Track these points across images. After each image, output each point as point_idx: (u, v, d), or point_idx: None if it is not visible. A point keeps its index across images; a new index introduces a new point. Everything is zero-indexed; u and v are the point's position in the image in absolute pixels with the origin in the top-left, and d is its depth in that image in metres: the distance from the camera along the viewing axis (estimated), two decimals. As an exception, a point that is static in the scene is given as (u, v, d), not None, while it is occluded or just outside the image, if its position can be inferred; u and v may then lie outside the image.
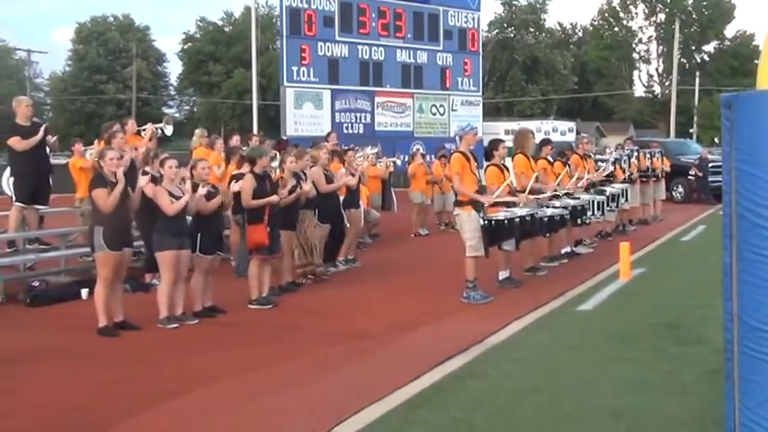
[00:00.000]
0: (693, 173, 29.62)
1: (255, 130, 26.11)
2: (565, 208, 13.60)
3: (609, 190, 16.70)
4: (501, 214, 11.31)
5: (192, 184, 10.19)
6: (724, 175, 5.20)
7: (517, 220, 11.34)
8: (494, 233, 11.12)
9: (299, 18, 24.94)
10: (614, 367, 7.98)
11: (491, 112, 58.82)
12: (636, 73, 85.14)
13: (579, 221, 14.97)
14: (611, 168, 18.64)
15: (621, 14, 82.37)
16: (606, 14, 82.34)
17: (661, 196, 23.30)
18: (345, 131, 25.40)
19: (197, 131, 17.27)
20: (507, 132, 32.42)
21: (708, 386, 7.02)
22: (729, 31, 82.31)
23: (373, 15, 26.54)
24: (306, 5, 24.95)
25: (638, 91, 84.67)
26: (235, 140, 15.75)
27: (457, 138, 11.96)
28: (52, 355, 8.76)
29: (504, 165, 12.64)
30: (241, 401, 7.08)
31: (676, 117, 60.44)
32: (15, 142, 12.60)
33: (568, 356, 8.56)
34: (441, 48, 28.28)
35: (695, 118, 70.08)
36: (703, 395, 6.87)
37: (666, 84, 72.49)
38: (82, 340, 9.28)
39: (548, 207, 13.29)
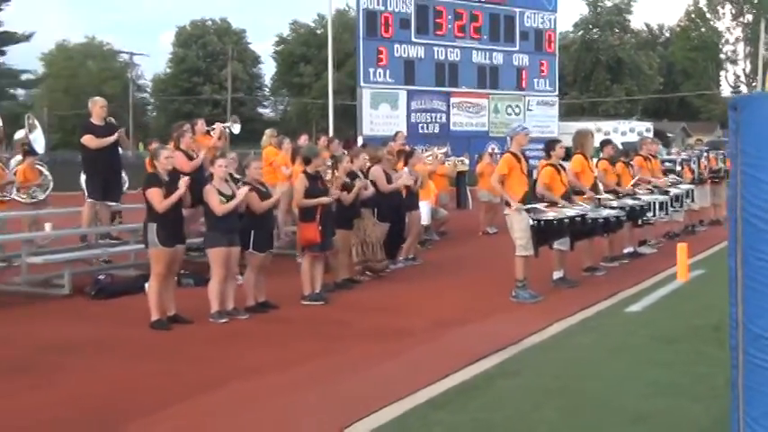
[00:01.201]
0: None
1: (331, 131, 25.98)
2: (622, 209, 13.24)
3: (673, 190, 16.26)
4: (550, 214, 11.07)
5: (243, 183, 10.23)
6: (731, 178, 4.99)
7: (567, 220, 11.09)
8: (543, 233, 10.91)
9: (376, 20, 24.90)
10: (650, 369, 7.74)
11: (576, 112, 58.21)
12: (723, 73, 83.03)
13: (640, 222, 14.62)
14: (679, 168, 18.22)
15: (708, 15, 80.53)
16: (693, 15, 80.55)
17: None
18: (421, 131, 25.39)
19: (267, 131, 17.37)
20: (597, 131, 32.04)
21: (737, 391, 6.77)
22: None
23: (449, 17, 26.39)
24: (382, 8, 24.90)
25: (726, 91, 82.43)
26: (303, 140, 15.78)
27: (508, 138, 11.76)
28: (103, 347, 8.88)
29: (560, 165, 12.42)
30: (270, 397, 7.03)
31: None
32: (89, 140, 12.83)
33: (606, 358, 8.36)
34: (517, 48, 28.00)
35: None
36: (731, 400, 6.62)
37: (753, 84, 70.41)
38: (135, 333, 9.36)
39: (605, 207, 12.95)
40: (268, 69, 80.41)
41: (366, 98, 24.83)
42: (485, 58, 27.31)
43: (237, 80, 72.88)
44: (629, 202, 13.86)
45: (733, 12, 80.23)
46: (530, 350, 8.59)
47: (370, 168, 13.43)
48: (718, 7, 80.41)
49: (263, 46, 73.18)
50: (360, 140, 21.89)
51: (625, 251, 14.89)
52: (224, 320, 9.78)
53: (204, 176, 10.69)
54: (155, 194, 9.44)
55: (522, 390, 7.17)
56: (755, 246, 4.73)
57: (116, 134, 12.97)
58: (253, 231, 10.23)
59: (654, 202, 14.80)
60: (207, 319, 9.81)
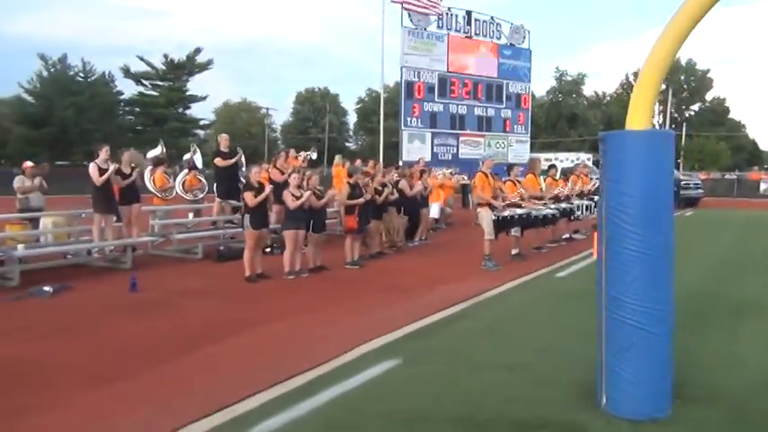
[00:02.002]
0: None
1: (381, 157, 25.64)
2: (558, 209, 12.73)
3: (596, 198, 15.63)
4: (506, 212, 10.62)
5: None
6: (600, 189, 4.58)
7: (517, 216, 10.65)
8: (501, 224, 10.49)
9: (413, 88, 24.52)
10: (561, 316, 7.32)
11: (546, 148, 56.97)
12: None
13: (572, 218, 14.06)
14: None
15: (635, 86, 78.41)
16: (624, 86, 78.62)
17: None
18: (440, 158, 24.90)
19: (337, 156, 17.16)
20: (548, 160, 31.21)
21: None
22: (709, 96, 77.37)
23: (460, 85, 25.84)
24: (417, 79, 24.50)
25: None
26: (357, 163, 15.47)
27: (480, 162, 11.32)
28: (209, 293, 8.64)
29: (517, 180, 11.97)
30: (295, 332, 6.66)
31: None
32: (219, 161, 12.73)
33: (533, 307, 7.92)
34: (503, 106, 27.30)
35: (682, 153, 66.26)
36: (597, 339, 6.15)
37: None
38: (232, 284, 9.15)
39: (547, 208, 12.44)
40: (352, 118, 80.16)
41: (405, 137, 24.45)
42: (482, 112, 26.72)
43: (333, 125, 72.91)
44: (563, 205, 13.30)
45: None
46: (484, 301, 8.19)
47: (398, 181, 13.13)
48: (641, 80, 78.41)
49: (350, 104, 73.72)
50: (401, 163, 21.27)
51: (563, 237, 14.33)
52: (291, 277, 9.53)
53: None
54: (248, 196, 9.24)
55: (470, 328, 6.77)
56: (614, 236, 4.34)
57: (236, 157, 12.84)
58: (312, 220, 9.97)
59: (581, 205, 14.23)
60: (282, 276, 9.57)
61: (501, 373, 5.24)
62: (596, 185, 16.71)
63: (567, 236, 14.56)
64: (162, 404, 4.61)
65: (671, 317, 4.38)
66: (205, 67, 57.77)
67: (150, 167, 13.34)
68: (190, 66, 56.79)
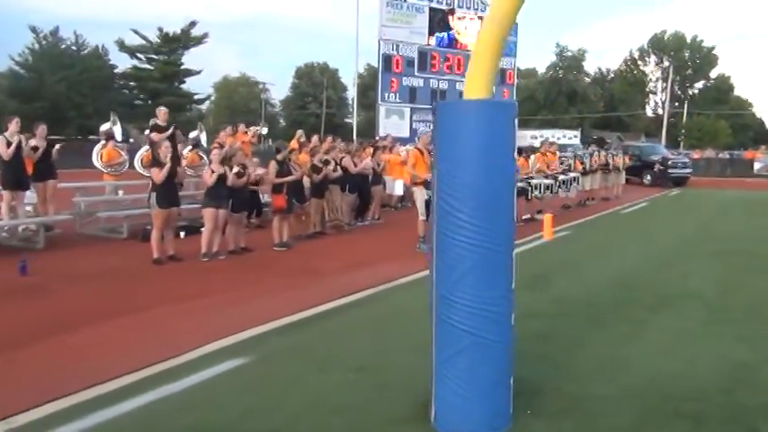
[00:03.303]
0: (658, 167, 27.07)
1: (355, 136, 24.97)
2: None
3: (561, 177, 14.88)
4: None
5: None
6: (432, 170, 3.88)
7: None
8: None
9: (391, 61, 23.71)
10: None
11: (545, 125, 55.86)
12: (647, 101, 79.33)
13: (530, 197, 13.33)
14: (571, 162, 16.76)
15: (639, 62, 76.83)
16: (628, 63, 76.98)
17: (621, 182, 21.03)
18: (420, 134, 24.09)
19: (299, 132, 16.47)
20: (534, 137, 30.35)
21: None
22: (713, 73, 75.64)
23: (441, 59, 24.98)
24: (395, 53, 23.68)
25: (649, 112, 78.75)
26: (314, 139, 14.74)
27: (417, 138, 10.58)
28: (99, 276, 7.95)
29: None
30: (165, 321, 6.08)
31: (670, 130, 56.35)
32: (154, 135, 12.05)
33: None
34: (487, 81, 26.41)
35: (683, 131, 64.98)
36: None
37: (668, 109, 66.91)
38: (138, 267, 8.52)
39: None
40: (351, 93, 79.33)
41: (382, 112, 23.78)
42: (464, 87, 25.74)
43: (331, 101, 71.93)
44: (519, 184, 12.51)
45: (656, 60, 76.58)
46: (392, 288, 7.54)
47: (342, 158, 12.44)
48: (646, 57, 76.87)
49: (349, 79, 72.30)
50: (377, 138, 20.48)
51: (523, 217, 13.59)
52: (206, 260, 8.91)
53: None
54: (155, 172, 8.61)
55: (352, 321, 6.13)
56: (443, 225, 3.65)
57: (170, 130, 12.13)
58: (232, 199, 9.32)
59: (540, 185, 13.48)
60: (197, 258, 8.94)
61: (348, 376, 4.61)
62: (567, 164, 16.00)
63: (528, 216, 13.83)
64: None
65: (508, 319, 3.71)
66: (200, 40, 56.68)
67: (102, 142, 12.71)
68: (185, 39, 55.75)
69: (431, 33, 24.58)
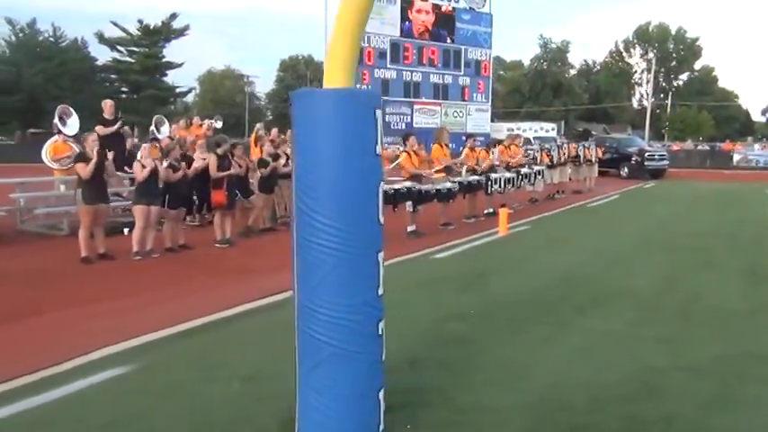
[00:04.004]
0: (635, 159, 26.87)
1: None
2: (460, 183, 11.68)
3: (524, 170, 14.60)
4: (396, 186, 9.59)
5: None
6: (292, 165, 3.56)
7: (392, 191, 9.59)
8: (387, 199, 9.41)
9: (362, 53, 23.31)
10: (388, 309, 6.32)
11: (530, 117, 55.58)
12: (632, 92, 79.31)
13: (489, 191, 13.04)
14: (537, 155, 16.48)
15: (624, 54, 76.72)
16: (614, 54, 76.86)
17: (594, 174, 20.76)
18: (392, 127, 23.81)
19: (258, 125, 16.03)
20: (510, 130, 30.07)
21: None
22: (698, 64, 75.66)
23: (414, 51, 24.63)
24: (366, 44, 23.26)
25: (635, 104, 78.75)
26: (274, 132, 14.35)
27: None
28: (13, 276, 7.60)
29: (414, 151, 10.94)
30: (64, 324, 5.74)
31: (653, 122, 56.29)
32: (100, 129, 11.65)
33: (388, 293, 6.92)
34: (462, 73, 26.10)
35: (666, 123, 64.95)
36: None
37: (652, 101, 66.90)
38: (63, 265, 8.17)
39: (450, 182, 11.40)
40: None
41: (354, 105, 23.34)
42: (439, 79, 25.51)
43: (316, 93, 71.62)
44: (469, 178, 12.22)
45: (641, 51, 76.52)
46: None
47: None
48: (631, 49, 76.83)
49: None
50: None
51: (485, 211, 13.33)
52: (138, 258, 8.56)
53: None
54: (80, 167, 8.23)
55: (260, 325, 5.83)
56: (301, 226, 3.34)
57: (117, 125, 11.77)
58: (168, 195, 8.98)
59: (500, 178, 13.19)
60: (129, 256, 8.60)
61: (234, 386, 4.29)
62: (533, 157, 15.72)
63: (490, 211, 13.54)
64: None
65: (373, 329, 3.41)
66: (182, 33, 56.09)
67: (55, 137, 12.31)
68: (166, 31, 55.16)
69: (402, 25, 24.24)
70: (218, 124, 13.75)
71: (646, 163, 26.70)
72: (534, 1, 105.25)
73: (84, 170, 8.17)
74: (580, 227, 12.44)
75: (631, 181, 24.92)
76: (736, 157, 33.99)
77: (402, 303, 6.35)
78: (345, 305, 3.28)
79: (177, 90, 58.33)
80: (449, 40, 25.61)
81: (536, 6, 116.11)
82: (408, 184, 9.93)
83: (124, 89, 54.10)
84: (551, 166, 17.02)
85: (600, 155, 21.12)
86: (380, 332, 3.46)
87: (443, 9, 25.26)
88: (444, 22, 25.44)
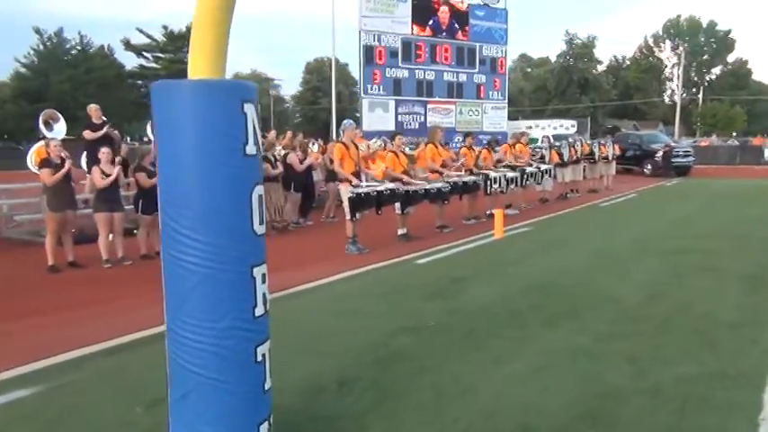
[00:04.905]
0: (660, 155, 25.92)
1: (334, 126, 24.26)
2: (454, 184, 11.15)
3: (528, 169, 14.00)
4: (362, 189, 9.11)
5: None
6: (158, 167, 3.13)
7: (374, 193, 9.13)
8: (356, 202, 9.00)
9: (373, 52, 22.92)
10: (351, 318, 5.89)
11: (556, 115, 54.48)
12: (664, 88, 77.35)
13: (489, 192, 12.49)
14: (547, 154, 15.85)
15: (654, 49, 74.88)
16: (643, 49, 75.07)
17: (611, 172, 20.02)
18: (406, 127, 23.35)
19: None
20: (529, 128, 29.36)
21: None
22: (730, 57, 73.44)
23: (427, 49, 24.11)
24: (377, 43, 22.88)
25: (666, 99, 76.81)
26: (288, 135, 13.99)
27: (342, 131, 9.81)
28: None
29: (402, 151, 10.49)
30: (35, 330, 5.49)
31: (685, 117, 54.76)
32: (87, 134, 11.47)
33: (351, 299, 6.55)
34: (476, 71, 25.48)
35: (698, 119, 63.16)
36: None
37: (683, 96, 65.10)
38: (29, 275, 7.93)
39: (443, 182, 10.89)
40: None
41: (365, 105, 23.04)
42: (453, 77, 24.95)
43: (342, 95, 71.26)
44: (464, 178, 11.67)
45: (672, 45, 74.64)
46: (289, 296, 6.75)
47: (286, 155, 11.75)
48: (661, 43, 74.97)
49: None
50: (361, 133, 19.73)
51: (488, 212, 12.77)
52: (108, 266, 8.27)
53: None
54: (45, 173, 7.99)
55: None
56: (166, 240, 2.92)
57: (104, 129, 11.53)
58: (141, 200, 8.68)
59: (500, 178, 12.62)
60: (99, 265, 8.31)
61: (135, 411, 3.89)
62: (541, 155, 15.12)
63: (491, 212, 12.96)
64: None
65: (247, 355, 2.97)
66: (206, 38, 56.53)
67: (40, 142, 12.13)
68: (189, 36, 55.48)
69: (415, 23, 23.72)
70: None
71: (671, 160, 25.73)
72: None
73: (49, 177, 7.90)
74: (583, 228, 11.81)
75: (654, 179, 24.03)
76: (767, 153, 32.64)
77: (357, 313, 5.93)
78: (210, 329, 2.86)
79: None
80: (463, 37, 25.01)
81: (564, 3, 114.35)
82: (392, 185, 9.45)
83: (149, 95, 54.68)
84: (563, 165, 16.38)
85: (617, 152, 20.31)
86: (260, 359, 3.02)
87: (457, 6, 24.67)
88: (458, 19, 24.86)
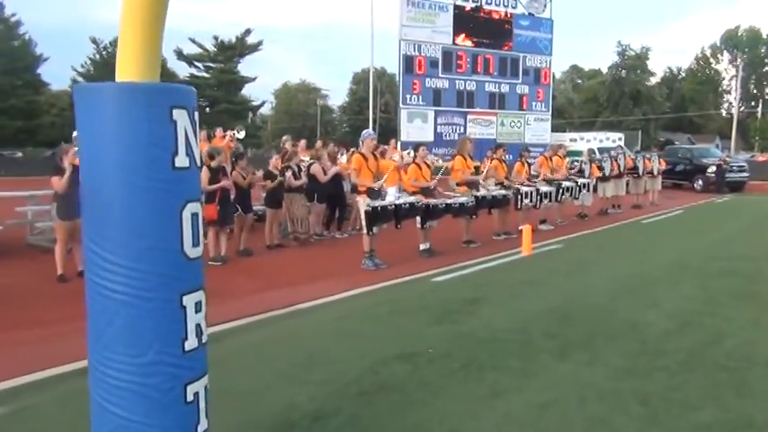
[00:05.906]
0: (713, 170, 24.76)
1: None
2: (482, 197, 10.68)
3: (565, 183, 13.39)
4: (379, 202, 8.74)
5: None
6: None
7: (392, 207, 8.74)
8: (373, 216, 8.63)
9: (412, 62, 22.64)
10: (341, 343, 5.51)
11: (607, 127, 53.09)
12: (721, 101, 74.79)
13: (519, 206, 11.96)
14: (586, 168, 15.17)
15: (711, 60, 72.54)
16: (700, 61, 72.78)
17: (657, 188, 19.17)
18: (445, 138, 23.05)
19: (284, 137, 15.55)
20: (573, 140, 28.52)
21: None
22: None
23: (468, 59, 23.69)
24: (417, 53, 22.61)
25: (723, 113, 74.25)
26: (301, 143, 13.79)
27: (361, 142, 9.46)
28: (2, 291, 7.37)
29: (425, 162, 10.10)
30: (28, 343, 5.40)
31: (743, 131, 52.70)
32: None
33: (354, 319, 6.19)
34: (519, 81, 24.90)
35: (757, 132, 60.72)
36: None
37: (741, 109, 62.74)
38: (40, 284, 7.82)
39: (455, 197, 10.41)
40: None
41: (404, 115, 22.76)
42: (495, 88, 24.44)
43: (389, 105, 71.24)
44: (493, 192, 11.19)
45: (729, 57, 72.19)
46: (290, 313, 6.49)
47: (310, 164, 11.48)
48: (719, 55, 72.58)
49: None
50: (399, 143, 19.55)
51: (519, 228, 12.19)
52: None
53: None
54: (55, 180, 7.83)
55: (267, 336, 5.17)
56: (88, 266, 2.61)
57: None
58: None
59: (531, 192, 12.08)
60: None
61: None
62: (579, 169, 14.53)
63: (521, 228, 12.42)
64: None
65: (178, 395, 2.62)
66: (255, 48, 57.31)
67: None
68: (240, 47, 56.36)
69: (456, 32, 23.32)
70: (241, 134, 13.29)
71: (727, 175, 24.58)
72: (615, 9, 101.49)
73: (59, 184, 7.77)
74: (617, 246, 11.17)
75: (704, 195, 22.95)
76: (828, 169, 30.91)
77: (355, 336, 5.55)
78: (130, 364, 2.52)
79: (251, 104, 59.40)
80: (506, 48, 24.48)
81: (617, 14, 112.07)
82: (412, 198, 9.05)
83: (201, 103, 55.59)
84: (604, 179, 15.69)
85: (662, 166, 19.42)
86: (191, 398, 2.66)
87: (500, 15, 24.18)
88: (501, 29, 24.36)
